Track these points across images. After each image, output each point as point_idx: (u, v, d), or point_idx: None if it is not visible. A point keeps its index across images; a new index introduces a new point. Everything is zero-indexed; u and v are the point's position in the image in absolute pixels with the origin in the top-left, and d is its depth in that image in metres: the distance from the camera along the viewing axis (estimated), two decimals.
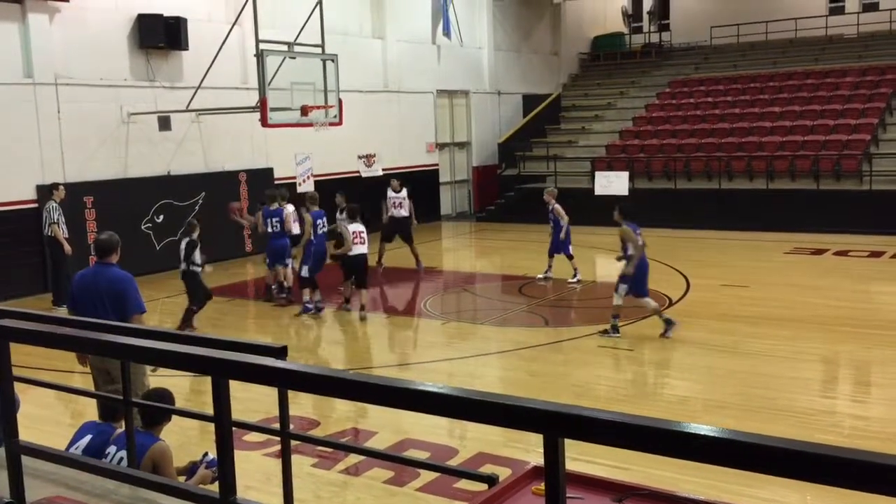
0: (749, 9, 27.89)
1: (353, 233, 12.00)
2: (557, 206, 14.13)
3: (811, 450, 1.60)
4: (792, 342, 10.14)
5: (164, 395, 4.83)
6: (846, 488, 1.58)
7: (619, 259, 10.65)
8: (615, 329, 10.54)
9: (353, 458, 6.82)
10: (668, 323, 10.43)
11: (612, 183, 20.51)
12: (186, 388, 8.77)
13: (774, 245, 17.21)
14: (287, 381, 2.65)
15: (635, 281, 10.41)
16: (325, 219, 12.84)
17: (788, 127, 21.94)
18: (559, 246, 14.17)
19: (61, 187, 13.48)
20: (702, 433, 1.72)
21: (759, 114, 23.01)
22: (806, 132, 21.50)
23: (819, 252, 16.54)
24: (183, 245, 11.18)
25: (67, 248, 13.01)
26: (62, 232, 13.08)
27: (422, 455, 6.64)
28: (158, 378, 6.86)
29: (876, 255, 16.05)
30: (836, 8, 28.08)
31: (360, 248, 12.04)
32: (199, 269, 11.20)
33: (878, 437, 7.08)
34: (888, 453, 1.58)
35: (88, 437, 4.80)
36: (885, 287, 13.72)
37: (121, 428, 4.62)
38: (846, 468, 1.57)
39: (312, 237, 12.41)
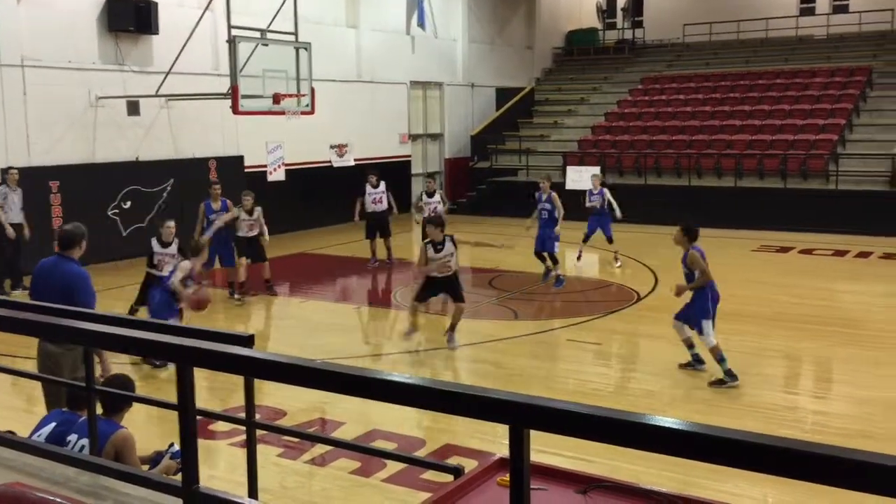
0: (721, 7, 28.11)
1: None
2: (555, 195, 13.33)
3: (774, 443, 1.62)
4: (756, 338, 10.27)
5: (125, 382, 4.77)
6: (807, 481, 1.60)
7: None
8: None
9: (320, 449, 6.80)
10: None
11: (584, 178, 20.58)
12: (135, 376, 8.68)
13: (741, 242, 17.39)
14: (253, 370, 2.63)
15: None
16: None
17: (757, 126, 22.17)
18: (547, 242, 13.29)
19: (13, 171, 13.31)
20: (666, 426, 1.73)
21: (729, 112, 23.22)
22: (774, 131, 21.74)
23: (785, 250, 16.76)
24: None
25: (10, 231, 12.92)
26: (3, 216, 12.96)
27: (389, 446, 6.64)
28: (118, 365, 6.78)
29: (840, 253, 16.29)
30: (807, 9, 28.40)
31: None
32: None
33: (840, 433, 7.19)
34: (848, 447, 1.60)
35: (52, 425, 4.73)
36: (848, 286, 13.93)
37: (84, 416, 4.56)
38: (807, 462, 1.59)
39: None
